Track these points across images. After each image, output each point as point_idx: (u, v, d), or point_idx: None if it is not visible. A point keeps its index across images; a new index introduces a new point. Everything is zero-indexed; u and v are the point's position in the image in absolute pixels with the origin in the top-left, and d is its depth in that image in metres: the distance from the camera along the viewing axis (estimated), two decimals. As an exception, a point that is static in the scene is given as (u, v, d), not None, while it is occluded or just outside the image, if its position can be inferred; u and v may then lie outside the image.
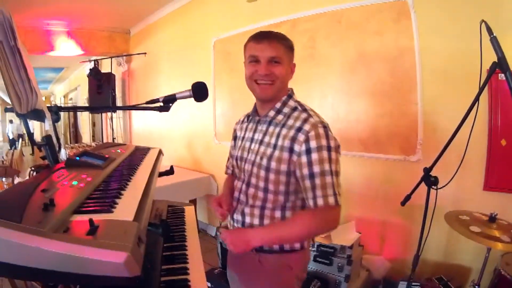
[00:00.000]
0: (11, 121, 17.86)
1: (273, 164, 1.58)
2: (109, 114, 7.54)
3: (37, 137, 1.58)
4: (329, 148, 1.49)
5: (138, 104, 1.78)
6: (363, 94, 3.32)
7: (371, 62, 3.24)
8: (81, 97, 12.11)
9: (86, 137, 12.87)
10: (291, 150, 1.54)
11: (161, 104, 1.72)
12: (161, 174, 2.16)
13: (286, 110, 1.65)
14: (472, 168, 2.61)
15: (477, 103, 2.05)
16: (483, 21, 1.95)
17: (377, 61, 3.20)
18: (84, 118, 13.00)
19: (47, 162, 1.59)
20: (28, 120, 1.52)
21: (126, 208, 1.07)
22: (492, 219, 2.19)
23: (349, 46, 3.39)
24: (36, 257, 0.77)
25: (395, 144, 3.15)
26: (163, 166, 2.26)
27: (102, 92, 6.74)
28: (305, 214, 1.57)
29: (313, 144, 1.48)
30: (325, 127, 1.53)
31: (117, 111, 7.34)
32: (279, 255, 1.65)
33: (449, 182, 2.24)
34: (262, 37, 1.65)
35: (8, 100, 1.43)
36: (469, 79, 2.55)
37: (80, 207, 1.05)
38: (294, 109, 1.65)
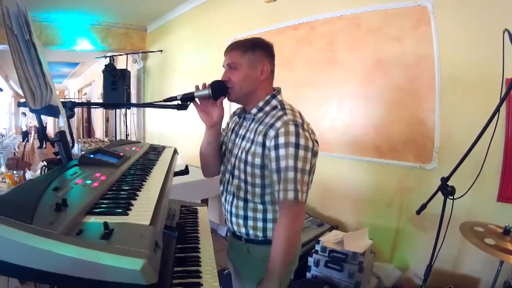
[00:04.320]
0: (24, 114, 18.05)
1: (250, 158, 1.67)
2: (123, 110, 7.52)
3: (49, 131, 1.56)
4: (297, 146, 1.54)
5: (156, 102, 1.78)
6: (380, 100, 3.29)
7: (389, 68, 3.21)
8: (96, 93, 12.18)
9: (99, 132, 12.94)
10: (263, 145, 1.61)
11: (179, 102, 1.72)
12: (176, 174, 2.13)
13: (267, 108, 1.73)
14: (487, 178, 2.56)
15: (497, 114, 2.00)
16: (506, 30, 1.91)
17: (395, 67, 3.16)
18: (98, 113, 13.07)
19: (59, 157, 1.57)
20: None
21: (142, 210, 1.03)
22: (507, 231, 2.14)
23: (368, 51, 3.36)
24: (48, 260, 0.75)
25: (410, 152, 3.11)
26: (177, 164, 2.24)
27: (116, 88, 6.73)
28: (276, 230, 1.61)
29: (281, 140, 1.54)
30: (297, 125, 1.57)
31: (131, 107, 7.32)
32: (265, 246, 1.70)
33: (465, 192, 2.24)
34: (226, 49, 1.79)
35: (22, 93, 1.40)
36: (488, 88, 2.58)
37: (94, 208, 1.02)
38: (274, 107, 1.72)
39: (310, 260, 3.01)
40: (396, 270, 3.17)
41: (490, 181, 2.63)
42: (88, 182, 1.18)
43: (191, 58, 6.07)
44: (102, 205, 1.04)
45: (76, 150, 9.78)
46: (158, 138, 7.15)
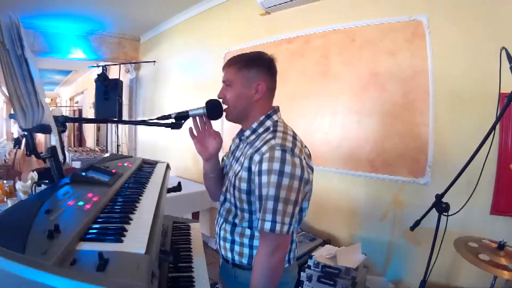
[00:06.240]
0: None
1: (237, 182, 1.59)
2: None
3: (40, 140, 1.54)
4: (281, 173, 1.43)
5: (149, 120, 1.74)
6: (374, 114, 3.28)
7: (383, 82, 3.20)
8: (87, 101, 12.09)
9: (90, 141, 12.85)
10: (249, 170, 1.53)
11: (173, 120, 1.68)
12: (169, 191, 2.11)
13: (260, 130, 1.65)
14: (480, 191, 2.50)
15: (493, 131, 2.01)
16: (503, 48, 1.93)
17: (390, 81, 3.15)
18: (89, 122, 12.98)
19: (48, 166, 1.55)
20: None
21: (136, 237, 1.01)
22: (501, 246, 2.14)
23: (362, 64, 3.35)
24: (42, 293, 0.72)
25: (403, 166, 3.10)
26: (169, 177, 2.23)
27: (109, 98, 6.71)
28: (254, 262, 1.54)
29: (264, 166, 1.45)
30: (284, 150, 1.46)
31: (123, 117, 7.25)
32: (251, 272, 1.58)
33: (460, 209, 2.23)
34: (224, 64, 1.71)
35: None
36: (482, 103, 2.60)
37: (87, 233, 0.99)
38: (267, 129, 1.63)
39: (303, 275, 2.98)
40: (390, 284, 3.16)
41: (483, 194, 2.62)
42: (80, 204, 1.16)
43: (184, 69, 6.04)
44: (95, 231, 1.02)
45: (67, 159, 9.71)
46: (150, 149, 7.14)
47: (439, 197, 2.24)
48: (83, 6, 5.61)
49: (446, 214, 2.21)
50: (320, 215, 3.68)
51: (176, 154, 5.96)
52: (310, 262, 2.98)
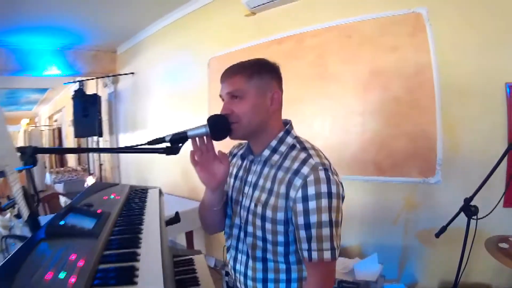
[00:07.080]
0: None
1: (269, 213, 1.38)
2: (95, 138, 7.16)
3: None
4: (329, 195, 1.28)
5: (139, 145, 1.39)
6: (378, 114, 3.13)
7: (385, 80, 3.05)
8: (66, 119, 11.74)
9: (72, 161, 12.47)
10: (287, 197, 1.33)
11: (168, 144, 1.37)
12: (166, 224, 1.79)
13: (283, 148, 1.44)
14: (492, 184, 2.39)
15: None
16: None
17: (393, 79, 3.01)
18: (70, 141, 12.57)
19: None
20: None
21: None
22: (529, 246, 2.04)
23: (362, 62, 3.18)
24: None
25: (412, 166, 2.97)
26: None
27: (88, 115, 6.51)
28: None
29: (311, 190, 1.28)
30: (326, 169, 1.31)
31: (103, 135, 6.99)
32: None
33: (490, 213, 2.18)
34: (223, 74, 1.46)
35: None
36: (489, 96, 2.58)
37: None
38: (292, 147, 1.44)
39: (318, 293, 2.77)
40: (405, 288, 3.07)
41: (497, 186, 2.52)
42: (62, 276, 0.86)
43: (165, 80, 5.80)
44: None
45: (48, 180, 9.37)
46: (134, 165, 6.95)
47: (467, 201, 2.19)
48: (56, 19, 5.38)
49: (475, 218, 2.16)
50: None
51: (162, 168, 5.77)
52: (325, 279, 2.77)
